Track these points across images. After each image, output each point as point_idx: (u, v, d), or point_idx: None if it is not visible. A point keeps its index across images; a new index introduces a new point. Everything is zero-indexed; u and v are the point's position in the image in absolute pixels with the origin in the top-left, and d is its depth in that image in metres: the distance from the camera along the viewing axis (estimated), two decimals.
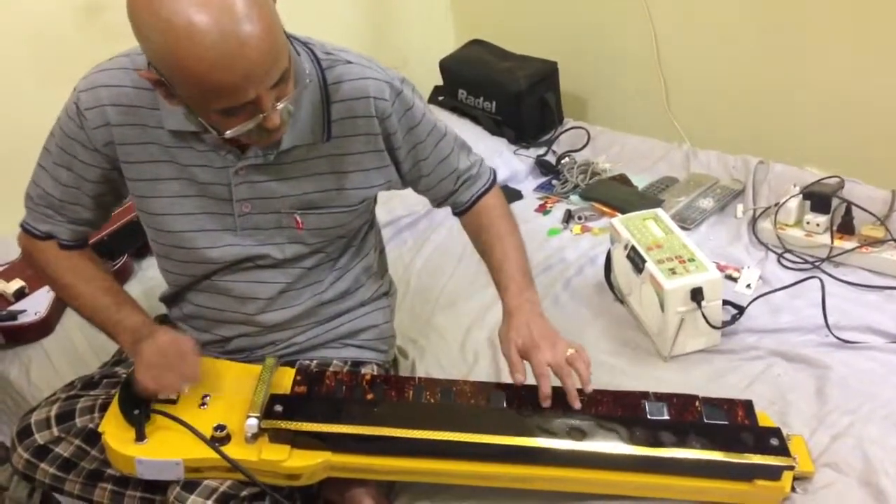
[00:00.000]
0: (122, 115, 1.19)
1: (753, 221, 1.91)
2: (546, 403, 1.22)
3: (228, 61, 0.98)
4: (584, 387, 1.23)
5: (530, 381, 1.24)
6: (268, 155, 1.21)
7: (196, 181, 1.23)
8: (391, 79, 1.24)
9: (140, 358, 1.20)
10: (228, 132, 1.07)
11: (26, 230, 1.31)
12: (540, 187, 2.24)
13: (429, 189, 1.37)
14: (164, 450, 1.17)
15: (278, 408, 1.20)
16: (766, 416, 1.27)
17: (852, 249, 1.71)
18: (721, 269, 1.69)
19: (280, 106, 1.06)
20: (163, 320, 1.47)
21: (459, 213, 1.41)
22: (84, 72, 1.21)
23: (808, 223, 1.78)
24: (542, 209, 2.12)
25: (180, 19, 0.96)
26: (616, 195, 2.08)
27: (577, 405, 1.22)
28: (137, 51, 1.15)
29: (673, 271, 1.48)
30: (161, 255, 1.34)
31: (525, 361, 1.25)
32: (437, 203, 1.42)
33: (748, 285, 1.70)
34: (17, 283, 1.80)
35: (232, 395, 1.25)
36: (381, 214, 1.50)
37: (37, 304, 1.78)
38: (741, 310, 1.59)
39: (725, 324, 1.54)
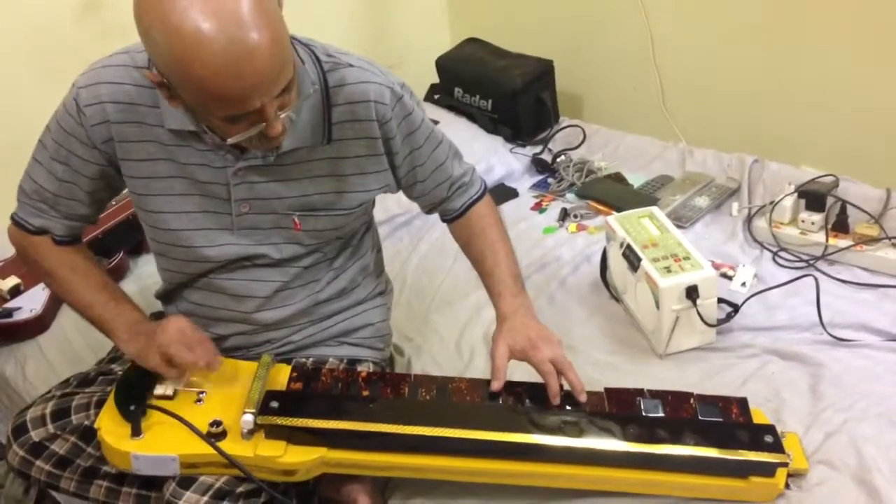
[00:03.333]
0: (121, 113, 1.18)
1: (748, 220, 1.91)
2: (556, 400, 1.22)
3: (235, 69, 0.97)
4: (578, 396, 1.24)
5: (532, 378, 1.25)
6: (268, 156, 1.20)
7: (195, 180, 1.23)
8: (392, 83, 1.24)
9: (164, 333, 1.20)
10: (230, 139, 1.07)
11: (19, 224, 1.30)
12: (536, 185, 2.24)
13: (423, 195, 1.37)
14: (159, 445, 1.17)
15: (274, 404, 1.20)
16: (760, 414, 1.27)
17: (847, 248, 1.72)
18: (716, 267, 1.70)
19: (283, 115, 1.06)
20: (158, 318, 1.48)
21: (450, 219, 1.41)
22: (81, 68, 1.20)
23: (802, 221, 1.79)
24: (538, 207, 2.12)
25: (189, 25, 0.95)
26: (612, 193, 2.09)
27: (584, 398, 1.23)
28: (137, 48, 1.15)
29: (668, 269, 1.49)
30: (158, 253, 1.34)
31: (522, 362, 1.25)
32: (429, 209, 1.42)
33: (743, 283, 1.70)
34: (12, 280, 1.80)
35: (228, 391, 1.25)
36: (377, 213, 1.50)
37: (33, 301, 1.78)
38: (736, 308, 1.59)
39: (720, 322, 1.55)
